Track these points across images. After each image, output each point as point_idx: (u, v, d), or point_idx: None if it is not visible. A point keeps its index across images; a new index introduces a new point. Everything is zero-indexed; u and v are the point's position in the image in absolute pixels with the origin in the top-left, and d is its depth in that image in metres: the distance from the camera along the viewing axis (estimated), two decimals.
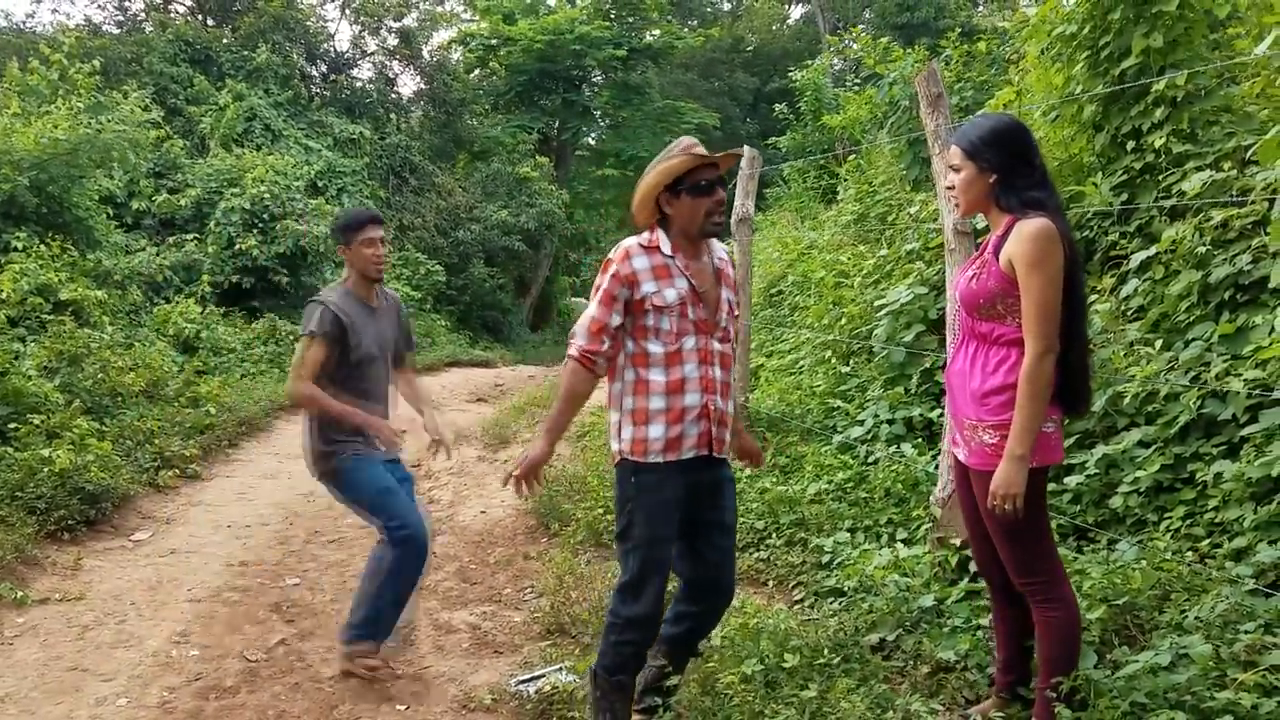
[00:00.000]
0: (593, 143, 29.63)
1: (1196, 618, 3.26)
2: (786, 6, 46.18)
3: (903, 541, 4.65)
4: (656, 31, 28.71)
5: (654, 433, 3.15)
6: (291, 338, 15.05)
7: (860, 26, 45.45)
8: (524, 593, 5.65)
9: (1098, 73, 5.31)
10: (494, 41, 25.38)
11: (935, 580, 4.24)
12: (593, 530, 6.09)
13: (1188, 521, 3.98)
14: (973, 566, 4.17)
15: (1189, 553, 3.78)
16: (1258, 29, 4.31)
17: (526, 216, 21.90)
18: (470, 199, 22.19)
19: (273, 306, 15.40)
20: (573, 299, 30.31)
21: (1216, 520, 3.90)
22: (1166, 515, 4.06)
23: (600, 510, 6.12)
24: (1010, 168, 2.94)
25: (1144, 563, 3.66)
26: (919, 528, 4.73)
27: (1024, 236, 2.84)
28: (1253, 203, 4.37)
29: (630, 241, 3.20)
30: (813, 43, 43.97)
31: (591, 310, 3.19)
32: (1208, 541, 3.82)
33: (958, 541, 4.25)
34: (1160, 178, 5.02)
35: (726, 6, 46.30)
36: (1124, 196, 5.19)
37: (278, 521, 7.26)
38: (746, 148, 6.75)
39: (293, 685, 4.38)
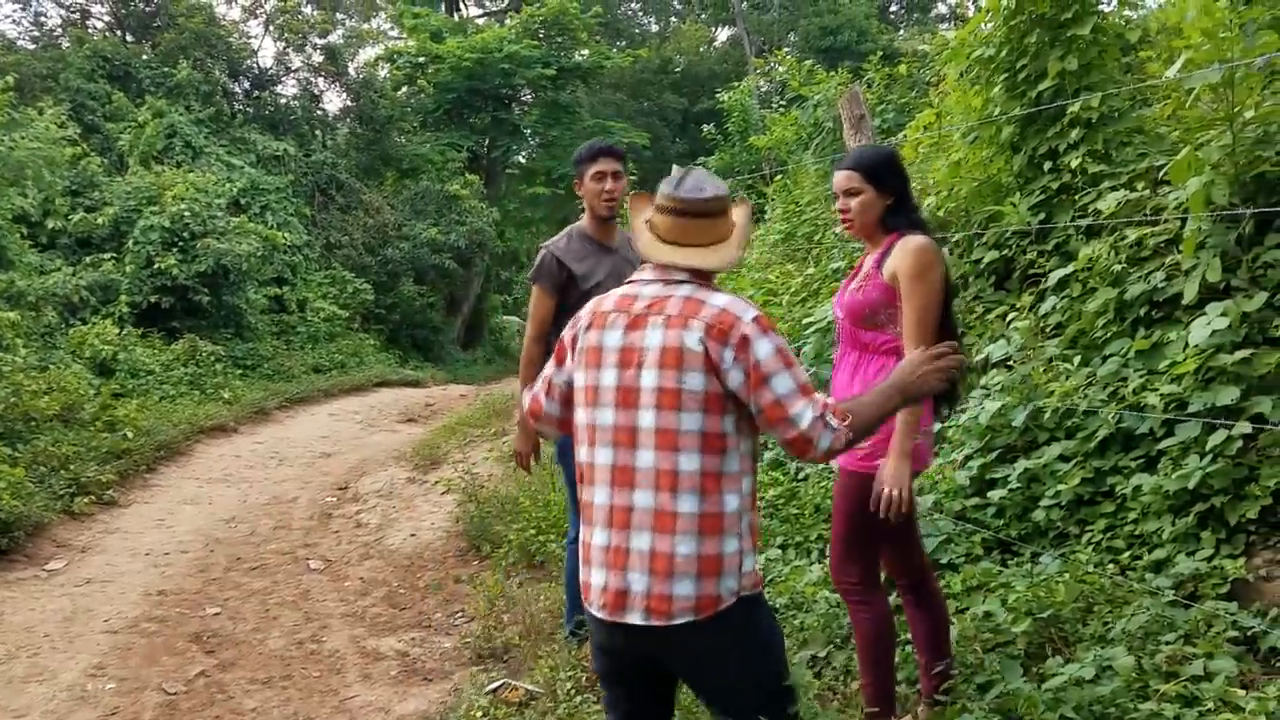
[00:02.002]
0: (523, 161, 29.56)
1: (1123, 630, 3.32)
2: (713, 29, 46.62)
3: None
4: (585, 51, 28.78)
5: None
6: (213, 358, 14.75)
7: (785, 50, 46.16)
8: (454, 617, 5.58)
9: (1015, 95, 5.42)
10: (421, 59, 25.22)
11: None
12: (525, 551, 6.03)
13: (1108, 534, 4.06)
14: None
15: (1110, 565, 3.86)
16: (1168, 53, 4.44)
17: (457, 234, 21.74)
18: (399, 217, 21.98)
19: (193, 327, 15.06)
20: (504, 317, 30.13)
21: (1136, 533, 3.99)
22: (1088, 528, 4.14)
23: (532, 531, 6.06)
24: (903, 191, 3.19)
25: (1067, 576, 3.72)
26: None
27: (909, 251, 3.05)
28: (1165, 221, 4.50)
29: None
30: (739, 65, 44.37)
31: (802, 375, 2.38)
32: (1128, 554, 3.89)
33: None
34: (1077, 197, 5.13)
35: (655, 28, 46.60)
36: (1041, 215, 5.30)
37: (198, 549, 7.07)
38: (675, 167, 6.76)
39: (213, 719, 4.25)
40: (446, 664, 4.82)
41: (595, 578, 2.37)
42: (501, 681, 4.21)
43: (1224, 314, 3.85)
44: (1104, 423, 4.28)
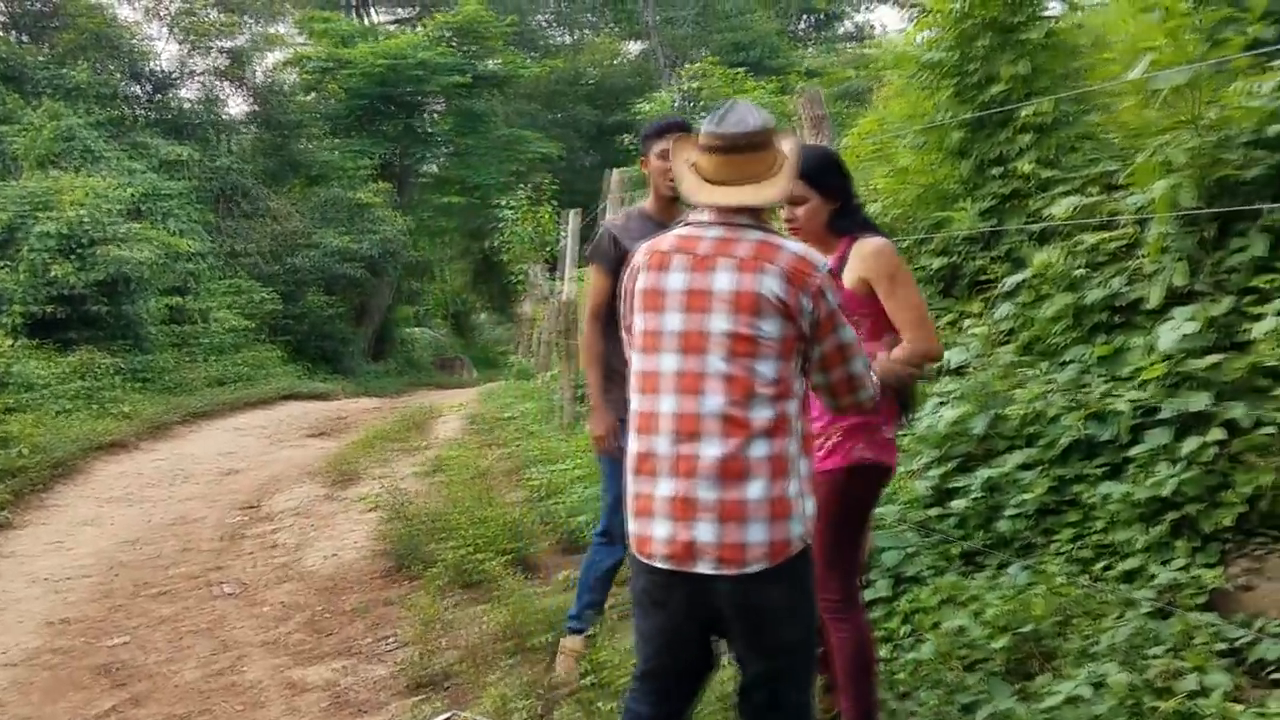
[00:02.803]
0: (436, 170, 29.04)
1: (1110, 644, 3.19)
2: (624, 43, 46.66)
3: None
4: (499, 60, 28.45)
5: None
6: (110, 371, 14.04)
7: (696, 65, 46.41)
8: (385, 643, 5.24)
9: (964, 100, 5.35)
10: (330, 65, 24.60)
11: None
12: (459, 571, 5.72)
13: (1076, 543, 3.95)
14: (869, 594, 4.05)
15: (1081, 575, 3.75)
16: (1130, 55, 4.40)
17: (368, 243, 21.18)
18: (307, 224, 21.32)
19: (89, 338, 14.30)
20: (414, 329, 29.55)
21: (1105, 542, 3.89)
22: (1054, 538, 4.03)
23: (468, 550, 5.76)
24: (847, 193, 3.14)
25: (1042, 588, 3.60)
26: None
27: (874, 253, 3.02)
28: (1123, 226, 4.44)
29: None
30: (651, 78, 44.55)
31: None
32: (1100, 564, 3.79)
33: None
34: (1029, 203, 5.07)
35: (567, 40, 46.40)
36: (993, 221, 5.23)
37: (100, 573, 6.59)
38: (615, 172, 6.57)
39: None
40: (380, 694, 4.49)
41: (659, 529, 2.30)
42: (450, 713, 3.92)
43: (1192, 318, 3.78)
44: (1072, 428, 4.19)
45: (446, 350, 32.63)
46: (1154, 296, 4.04)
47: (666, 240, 2.41)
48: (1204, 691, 2.90)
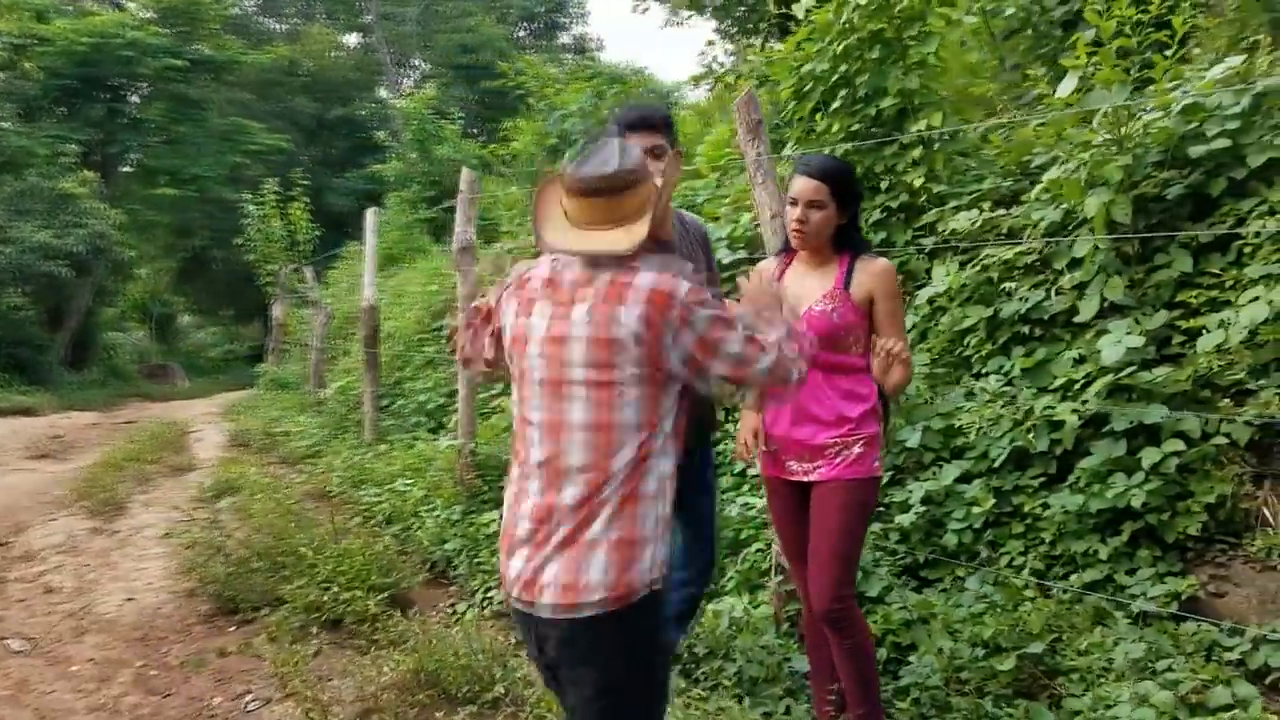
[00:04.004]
0: (145, 159, 26.43)
1: (1125, 660, 3.19)
2: (343, 35, 44.78)
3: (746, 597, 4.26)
4: (214, 44, 26.35)
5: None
6: None
7: (418, 63, 45.30)
8: (244, 702, 4.54)
9: (850, 112, 5.34)
10: (24, 41, 21.77)
11: (788, 636, 3.93)
12: (315, 612, 5.07)
13: (1026, 555, 3.99)
14: None
15: (1056, 588, 3.77)
16: (1053, 72, 4.51)
17: (74, 239, 18.89)
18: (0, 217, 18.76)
19: None
20: (119, 334, 26.80)
21: (1053, 554, 3.94)
22: (1002, 550, 4.05)
23: (329, 587, 5.11)
24: (857, 208, 3.22)
25: (1033, 604, 3.58)
26: (754, 586, 4.35)
27: (885, 272, 3.14)
28: (1030, 240, 4.56)
29: None
30: (373, 73, 43.02)
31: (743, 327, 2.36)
32: (1053, 575, 3.83)
33: None
34: (920, 217, 5.13)
35: (281, 29, 43.89)
36: (883, 234, 5.25)
37: None
38: (465, 170, 6.09)
39: None
40: None
41: (513, 565, 2.25)
42: None
43: (1134, 331, 3.90)
44: (997, 442, 4.23)
45: (151, 357, 29.90)
46: (1086, 310, 4.15)
47: (534, 279, 2.32)
48: (1240, 704, 2.95)
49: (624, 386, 2.15)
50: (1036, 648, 3.35)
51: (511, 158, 10.16)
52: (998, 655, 3.40)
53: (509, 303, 2.35)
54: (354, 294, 14.46)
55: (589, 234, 2.22)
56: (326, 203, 28.36)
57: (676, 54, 69.88)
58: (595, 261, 2.23)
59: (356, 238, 24.57)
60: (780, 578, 4.02)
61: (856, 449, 3.07)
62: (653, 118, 3.31)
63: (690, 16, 14.97)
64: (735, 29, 8.61)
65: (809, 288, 3.15)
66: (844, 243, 3.16)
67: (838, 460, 3.07)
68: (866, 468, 3.08)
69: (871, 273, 3.11)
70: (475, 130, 31.71)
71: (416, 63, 45.71)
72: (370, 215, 9.03)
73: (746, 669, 3.60)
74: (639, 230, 2.21)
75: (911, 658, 3.59)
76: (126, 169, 27.00)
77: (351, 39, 45.59)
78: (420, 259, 12.99)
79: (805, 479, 3.14)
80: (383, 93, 43.17)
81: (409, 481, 6.62)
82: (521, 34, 46.71)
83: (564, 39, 47.78)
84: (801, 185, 3.09)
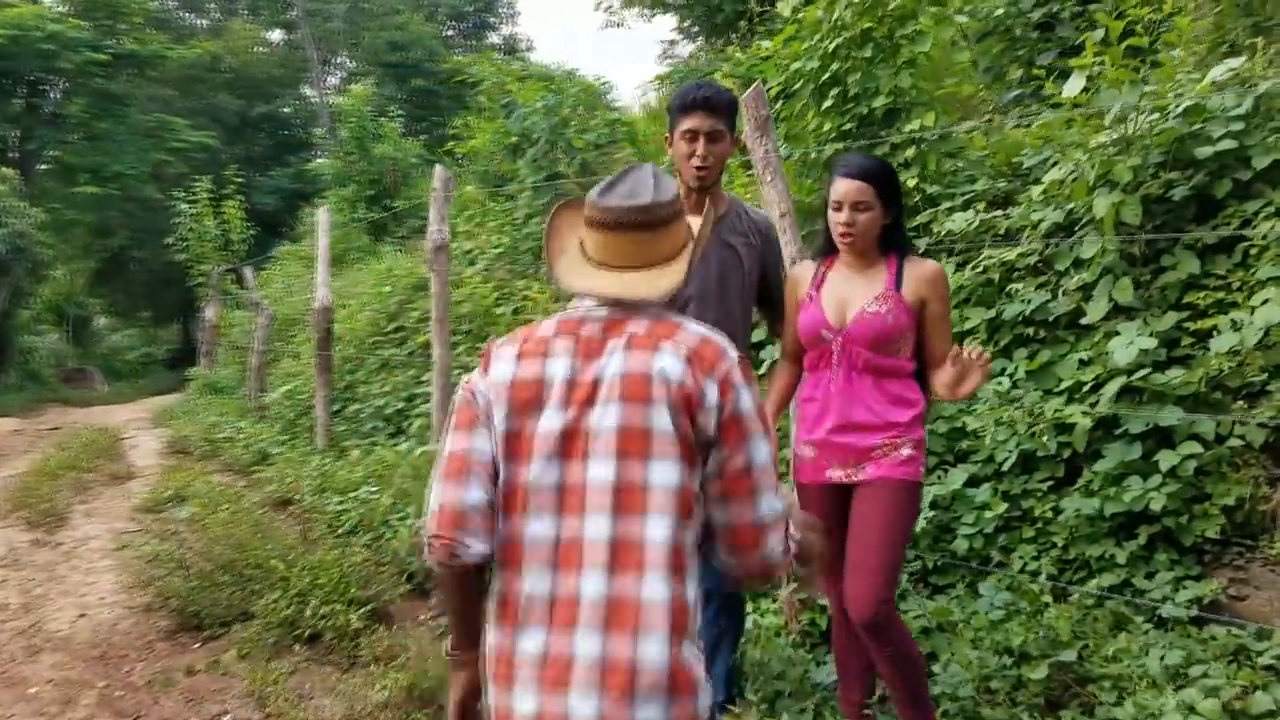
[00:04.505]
0: (66, 156, 25.42)
1: (1163, 665, 3.14)
2: (267, 31, 43.83)
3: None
4: (136, 38, 25.53)
5: None
6: None
7: (345, 60, 44.50)
8: None
9: (843, 111, 5.27)
10: None
11: (798, 647, 3.83)
12: (289, 626, 4.83)
13: (1038, 560, 3.94)
14: None
15: (1075, 593, 3.72)
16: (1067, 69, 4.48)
17: None
18: None
19: None
20: (35, 337, 25.80)
21: (1066, 558, 3.90)
22: (1013, 554, 4.00)
23: (306, 601, 4.87)
24: (901, 208, 3.10)
25: (1054, 611, 3.52)
26: (759, 594, 4.23)
27: (939, 276, 3.04)
28: (1030, 241, 4.52)
29: None
30: (299, 70, 42.16)
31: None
32: (1066, 579, 3.79)
33: (824, 601, 3.87)
34: (914, 218, 5.07)
35: (203, 24, 42.78)
36: None
37: None
38: (439, 168, 5.88)
39: None
40: None
41: (523, 702, 1.73)
42: None
43: (1145, 333, 3.88)
44: (1003, 445, 4.19)
45: (67, 360, 28.88)
46: (1094, 312, 4.12)
47: (546, 325, 1.91)
48: None
49: (660, 436, 1.75)
50: (1068, 655, 3.29)
51: (463, 156, 9.94)
52: (1027, 664, 3.33)
53: (511, 359, 1.88)
54: (291, 295, 14.08)
55: (615, 276, 1.87)
56: (251, 201, 27.69)
57: (611, 56, 69.75)
58: (625, 305, 1.87)
59: (284, 237, 24.07)
60: (793, 586, 3.91)
61: (905, 451, 2.98)
62: (716, 99, 3.06)
63: (622, 21, 14.92)
64: (698, 28, 8.55)
65: (857, 289, 3.04)
66: (890, 243, 3.06)
67: (884, 461, 2.97)
68: (913, 470, 2.98)
69: (923, 276, 3.01)
70: (407, 130, 31.24)
71: (342, 60, 45.01)
72: (322, 214, 8.74)
73: (768, 683, 3.48)
74: (675, 273, 1.87)
75: (935, 667, 3.50)
76: (45, 166, 25.99)
77: (276, 35, 44.70)
78: (371, 260, 12.66)
79: (847, 481, 3.03)
80: (308, 90, 42.40)
81: (374, 489, 6.38)
82: (450, 33, 46.28)
83: (494, 39, 47.51)
84: (846, 187, 2.98)
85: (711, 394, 1.74)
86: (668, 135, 3.18)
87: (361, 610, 4.75)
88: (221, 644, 5.08)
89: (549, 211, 2.03)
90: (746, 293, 3.27)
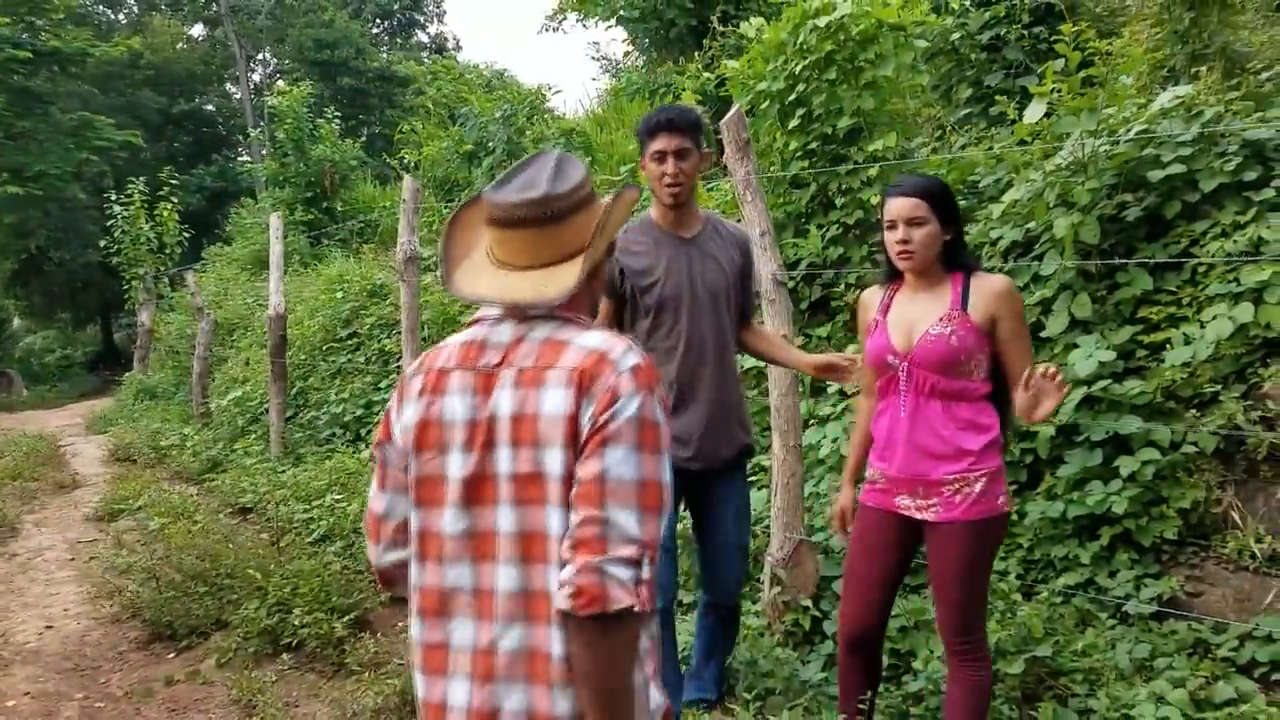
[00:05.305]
0: None
1: (1130, 658, 3.37)
2: (187, 26, 42.91)
3: None
4: (57, 34, 24.82)
5: None
6: None
7: (268, 57, 43.71)
8: None
9: (807, 130, 5.46)
10: None
11: (781, 646, 3.99)
12: (270, 635, 4.87)
13: (1006, 560, 4.16)
14: (829, 627, 4.00)
15: (1046, 592, 3.93)
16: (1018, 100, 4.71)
17: None
18: None
19: None
20: None
21: (1031, 558, 4.13)
22: None
23: (278, 610, 4.91)
24: (960, 224, 3.01)
25: (1025, 608, 3.74)
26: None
27: (1008, 292, 2.91)
28: (989, 258, 4.76)
29: None
30: (222, 67, 41.37)
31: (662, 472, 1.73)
32: (1036, 578, 4.01)
33: (807, 603, 4.04)
34: (876, 234, 5.28)
35: (122, 19, 41.74)
36: (840, 251, 5.39)
37: None
38: (408, 178, 5.94)
39: None
40: None
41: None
42: None
43: (1105, 346, 4.12)
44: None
45: None
46: (1054, 326, 4.36)
47: (449, 351, 1.78)
48: (1243, 698, 3.15)
49: (551, 482, 1.64)
50: (1043, 650, 3.50)
51: (414, 165, 9.93)
52: (1003, 659, 3.53)
53: (411, 395, 1.79)
54: (229, 299, 13.90)
55: (514, 277, 1.73)
56: (176, 200, 27.16)
57: (543, 58, 69.68)
58: (527, 318, 1.75)
59: (211, 237, 23.64)
60: (778, 589, 4.07)
61: (978, 486, 2.84)
62: (680, 120, 3.20)
63: (562, 22, 15.02)
64: (649, 41, 8.69)
65: (922, 310, 2.94)
66: (953, 261, 2.96)
67: (957, 500, 2.85)
68: (990, 505, 2.86)
69: (991, 292, 2.88)
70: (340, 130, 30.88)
71: (264, 56, 44.31)
72: (274, 220, 8.69)
73: (759, 680, 3.64)
74: (569, 274, 1.71)
75: (915, 664, 3.69)
76: None
77: (198, 30, 43.82)
78: (314, 264, 12.56)
79: (918, 515, 2.94)
80: (231, 87, 41.67)
81: (339, 496, 6.41)
82: (377, 30, 45.80)
83: (421, 37, 47.17)
84: (898, 205, 2.91)
85: (589, 411, 1.62)
86: (641, 160, 3.32)
87: (345, 619, 4.80)
88: (198, 654, 5.11)
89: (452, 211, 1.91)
90: (734, 303, 3.39)
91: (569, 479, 1.60)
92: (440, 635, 1.71)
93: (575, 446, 1.61)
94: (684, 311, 3.22)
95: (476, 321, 1.81)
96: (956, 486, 2.86)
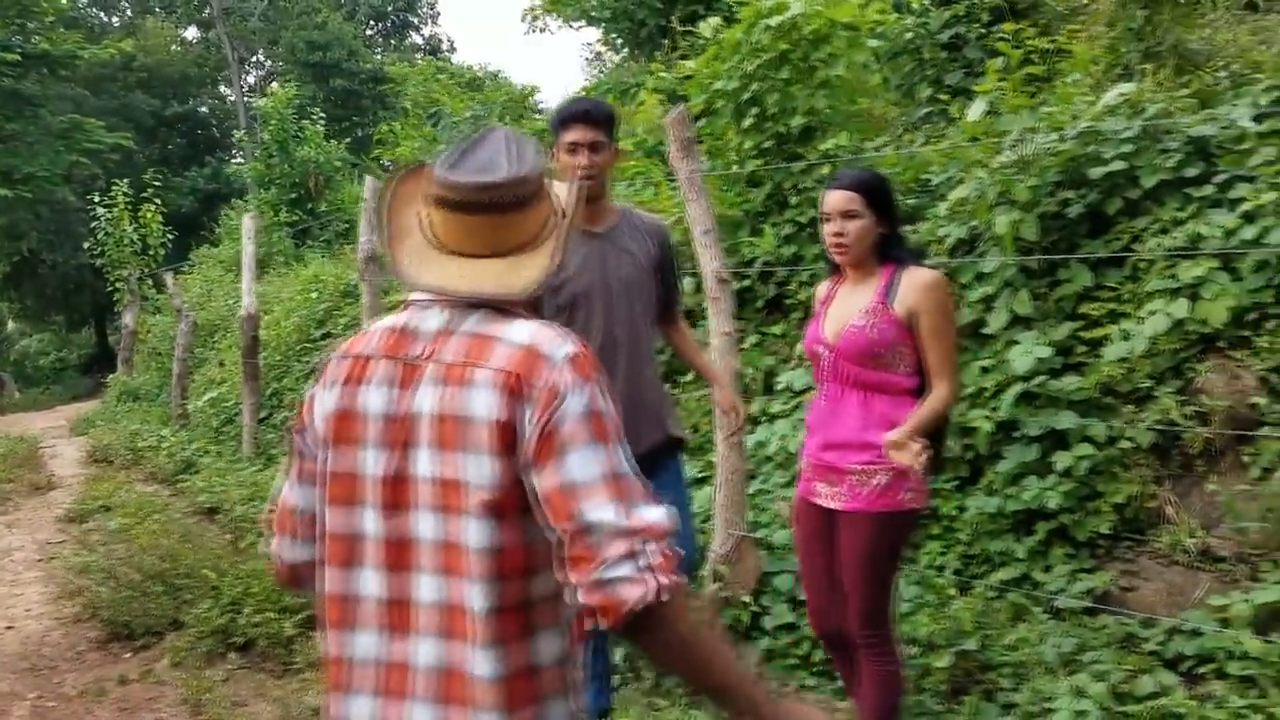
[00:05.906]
0: None
1: (1056, 652, 3.39)
2: (180, 29, 43.00)
3: None
4: (47, 37, 24.89)
5: None
6: None
7: (262, 59, 43.79)
8: None
9: (762, 129, 5.49)
10: None
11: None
12: (222, 634, 4.89)
13: (945, 555, 4.18)
14: (768, 622, 4.02)
15: (982, 586, 3.96)
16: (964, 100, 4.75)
17: None
18: None
19: None
20: None
21: (970, 553, 4.15)
22: (920, 550, 4.23)
23: (230, 610, 4.93)
24: (896, 218, 3.05)
25: (959, 602, 3.76)
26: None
27: (932, 285, 2.92)
28: (935, 256, 4.78)
29: None
30: (215, 69, 41.43)
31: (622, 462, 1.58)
32: (974, 573, 4.04)
33: (747, 598, 4.07)
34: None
35: (116, 22, 41.82)
36: (793, 249, 5.41)
37: None
38: (369, 179, 5.97)
39: None
40: None
41: None
42: None
43: (1044, 342, 4.15)
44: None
45: None
46: (995, 322, 4.38)
47: (372, 337, 1.62)
48: (1164, 692, 3.17)
49: (474, 490, 1.50)
50: (971, 644, 3.53)
51: (392, 164, 9.96)
52: (933, 653, 3.56)
53: (329, 382, 1.62)
54: (211, 300, 13.92)
55: (459, 265, 1.58)
56: (167, 203, 27.17)
57: (536, 60, 69.82)
58: (459, 306, 1.58)
59: (202, 239, 23.66)
60: (719, 584, 4.10)
61: (882, 479, 2.86)
62: (596, 112, 3.19)
63: (545, 27, 15.04)
64: (621, 40, 8.73)
65: (852, 303, 2.98)
66: (888, 254, 2.97)
67: (862, 491, 2.88)
68: (894, 500, 2.86)
69: (915, 285, 2.88)
70: (329, 131, 30.94)
71: (258, 58, 44.38)
72: (247, 220, 8.73)
73: None
74: (538, 264, 1.58)
75: None
76: None
77: (191, 32, 43.92)
78: (296, 265, 12.60)
79: (828, 504, 2.99)
80: (225, 89, 41.77)
81: None
82: (371, 32, 45.86)
83: (415, 39, 47.21)
84: (833, 198, 2.94)
85: (529, 416, 1.47)
86: (554, 150, 3.23)
87: (295, 618, 4.82)
88: (154, 653, 5.12)
89: (385, 184, 1.73)
90: (650, 297, 3.31)
91: (496, 489, 1.47)
92: (341, 648, 1.58)
93: (510, 455, 1.47)
94: (596, 308, 3.14)
95: (407, 305, 1.65)
96: (860, 478, 2.90)
